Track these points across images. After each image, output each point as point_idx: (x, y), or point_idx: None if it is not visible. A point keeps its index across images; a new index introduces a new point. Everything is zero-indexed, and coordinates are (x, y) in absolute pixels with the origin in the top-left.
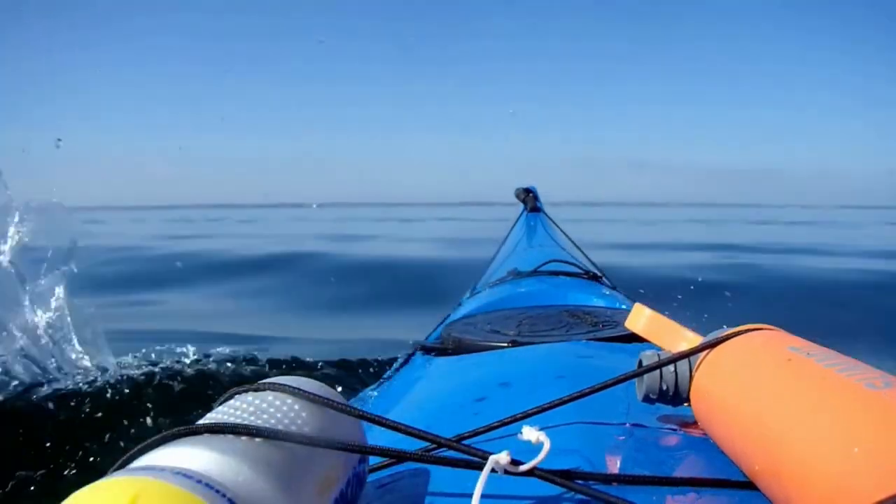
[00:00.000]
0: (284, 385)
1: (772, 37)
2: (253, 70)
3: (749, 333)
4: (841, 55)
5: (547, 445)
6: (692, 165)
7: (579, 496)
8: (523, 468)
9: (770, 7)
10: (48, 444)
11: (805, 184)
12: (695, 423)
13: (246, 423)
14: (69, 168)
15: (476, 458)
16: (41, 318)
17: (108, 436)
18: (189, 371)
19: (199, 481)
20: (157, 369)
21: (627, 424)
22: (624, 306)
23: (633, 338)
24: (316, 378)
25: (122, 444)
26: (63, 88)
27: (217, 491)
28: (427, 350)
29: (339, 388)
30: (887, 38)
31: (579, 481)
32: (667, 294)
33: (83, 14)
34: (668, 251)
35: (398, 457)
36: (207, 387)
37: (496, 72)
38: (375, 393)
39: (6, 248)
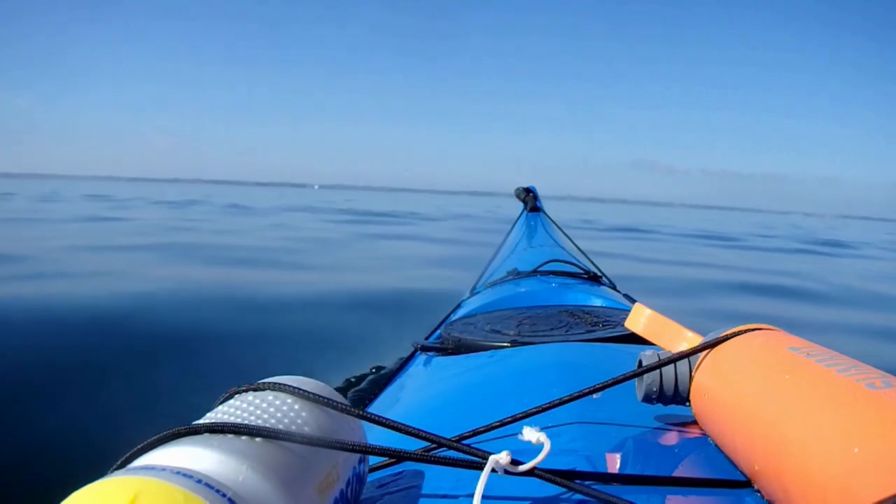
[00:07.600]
0: (284, 385)
1: (783, 44)
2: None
3: (749, 333)
4: (855, 63)
5: (547, 446)
6: (696, 168)
7: (579, 496)
8: (523, 468)
9: (784, 11)
10: None
11: (810, 191)
12: (695, 423)
13: (246, 422)
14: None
15: (476, 458)
16: None
17: None
18: None
19: (199, 481)
20: None
21: (627, 424)
22: (624, 306)
23: (633, 338)
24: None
25: None
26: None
27: (217, 491)
28: (427, 350)
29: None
30: None
31: (579, 481)
32: None
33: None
34: None
35: (398, 457)
36: None
37: (503, 71)
38: (375, 392)
39: None
